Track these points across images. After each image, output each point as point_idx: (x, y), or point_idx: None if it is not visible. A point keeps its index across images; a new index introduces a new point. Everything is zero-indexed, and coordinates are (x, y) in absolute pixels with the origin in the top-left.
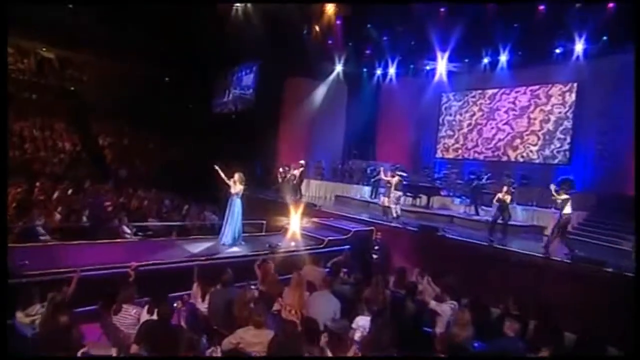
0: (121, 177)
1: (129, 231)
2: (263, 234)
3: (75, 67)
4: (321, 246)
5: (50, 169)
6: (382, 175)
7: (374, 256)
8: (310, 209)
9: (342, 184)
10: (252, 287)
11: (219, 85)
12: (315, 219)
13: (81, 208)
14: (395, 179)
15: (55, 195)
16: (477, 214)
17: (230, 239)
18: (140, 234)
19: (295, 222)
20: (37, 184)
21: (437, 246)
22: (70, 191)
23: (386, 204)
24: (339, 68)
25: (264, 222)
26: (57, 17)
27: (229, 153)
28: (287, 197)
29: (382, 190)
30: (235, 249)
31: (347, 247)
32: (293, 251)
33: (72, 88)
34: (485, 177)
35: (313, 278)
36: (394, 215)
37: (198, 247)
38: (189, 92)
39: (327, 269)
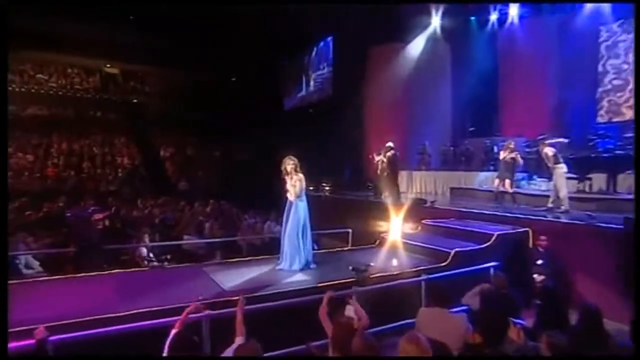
0: (181, 190)
1: (147, 254)
2: (347, 248)
3: (138, 80)
4: (444, 264)
5: (105, 186)
6: (510, 155)
7: (538, 277)
8: (418, 208)
9: (458, 173)
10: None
11: (293, 75)
12: (427, 222)
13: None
14: (549, 151)
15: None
16: None
17: (291, 262)
18: (165, 257)
19: (396, 229)
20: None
21: None
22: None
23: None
24: (436, 22)
25: (350, 231)
26: (118, 33)
27: (308, 153)
28: (381, 194)
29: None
30: (299, 276)
31: (492, 263)
32: (395, 277)
33: (135, 100)
34: None
35: (442, 334)
36: (562, 207)
37: (237, 277)
38: (259, 90)
39: (465, 310)
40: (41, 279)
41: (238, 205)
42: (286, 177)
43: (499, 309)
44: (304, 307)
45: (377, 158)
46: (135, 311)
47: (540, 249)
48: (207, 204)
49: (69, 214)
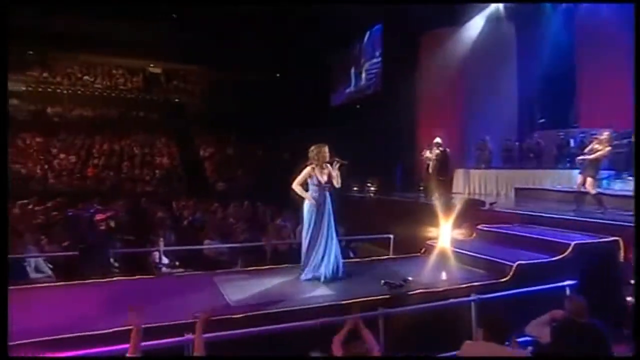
0: (218, 191)
1: (165, 260)
2: (387, 257)
3: (181, 79)
4: (503, 280)
5: (141, 187)
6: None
7: (631, 300)
8: (474, 211)
9: (525, 171)
10: None
11: (340, 70)
12: (483, 227)
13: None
14: None
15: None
16: None
17: (315, 272)
18: (174, 263)
19: (445, 235)
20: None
21: None
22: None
23: None
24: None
25: (391, 237)
26: (162, 32)
27: (352, 152)
28: (431, 195)
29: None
30: (320, 290)
31: (568, 282)
32: (438, 295)
33: (177, 100)
34: None
35: None
36: None
37: (249, 289)
38: (303, 87)
39: (529, 343)
40: (40, 285)
41: (275, 208)
42: (317, 168)
43: (576, 343)
44: (316, 330)
45: (425, 155)
46: (105, 331)
47: (634, 264)
48: (242, 205)
49: (70, 213)
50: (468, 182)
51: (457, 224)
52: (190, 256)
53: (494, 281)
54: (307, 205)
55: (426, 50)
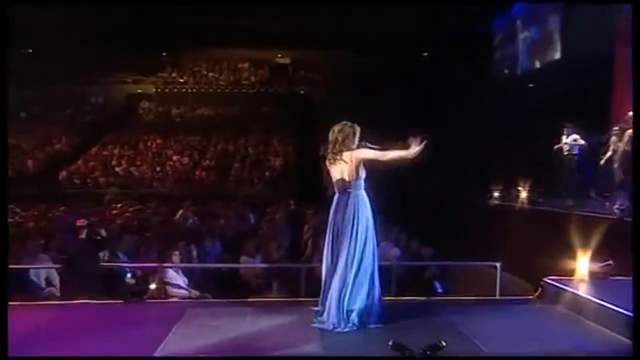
0: (329, 195)
1: (177, 280)
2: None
3: (308, 68)
4: None
5: (245, 190)
6: None
7: None
8: None
9: None
10: None
11: (504, 41)
12: None
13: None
14: None
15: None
16: None
17: (336, 316)
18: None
19: (582, 269)
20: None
21: None
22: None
23: None
24: None
25: (497, 265)
26: (289, 20)
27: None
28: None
29: None
30: (335, 344)
31: None
32: None
33: (302, 91)
34: None
35: None
36: None
37: (231, 331)
38: (456, 66)
39: None
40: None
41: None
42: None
43: None
44: None
45: (612, 139)
46: None
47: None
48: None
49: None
50: None
51: (603, 252)
52: (223, 275)
53: None
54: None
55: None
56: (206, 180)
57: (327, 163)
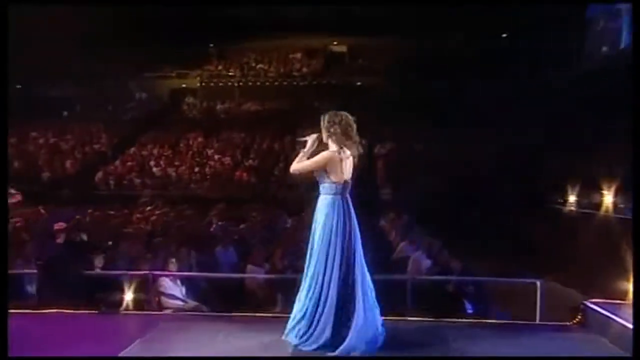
0: (383, 200)
1: (173, 291)
2: (534, 323)
3: (366, 57)
4: None
5: (284, 192)
6: None
7: None
8: None
9: None
10: None
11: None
12: None
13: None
14: None
15: None
16: None
17: (317, 334)
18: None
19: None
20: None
21: None
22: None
23: None
24: None
25: (538, 283)
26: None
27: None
28: None
29: None
30: None
31: None
32: None
33: (359, 83)
34: None
35: None
36: None
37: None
38: (532, 54)
39: None
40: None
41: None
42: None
43: None
44: None
45: None
46: None
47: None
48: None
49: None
50: None
51: None
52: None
53: None
54: (323, 209)
55: None
56: (245, 182)
57: (330, 159)
